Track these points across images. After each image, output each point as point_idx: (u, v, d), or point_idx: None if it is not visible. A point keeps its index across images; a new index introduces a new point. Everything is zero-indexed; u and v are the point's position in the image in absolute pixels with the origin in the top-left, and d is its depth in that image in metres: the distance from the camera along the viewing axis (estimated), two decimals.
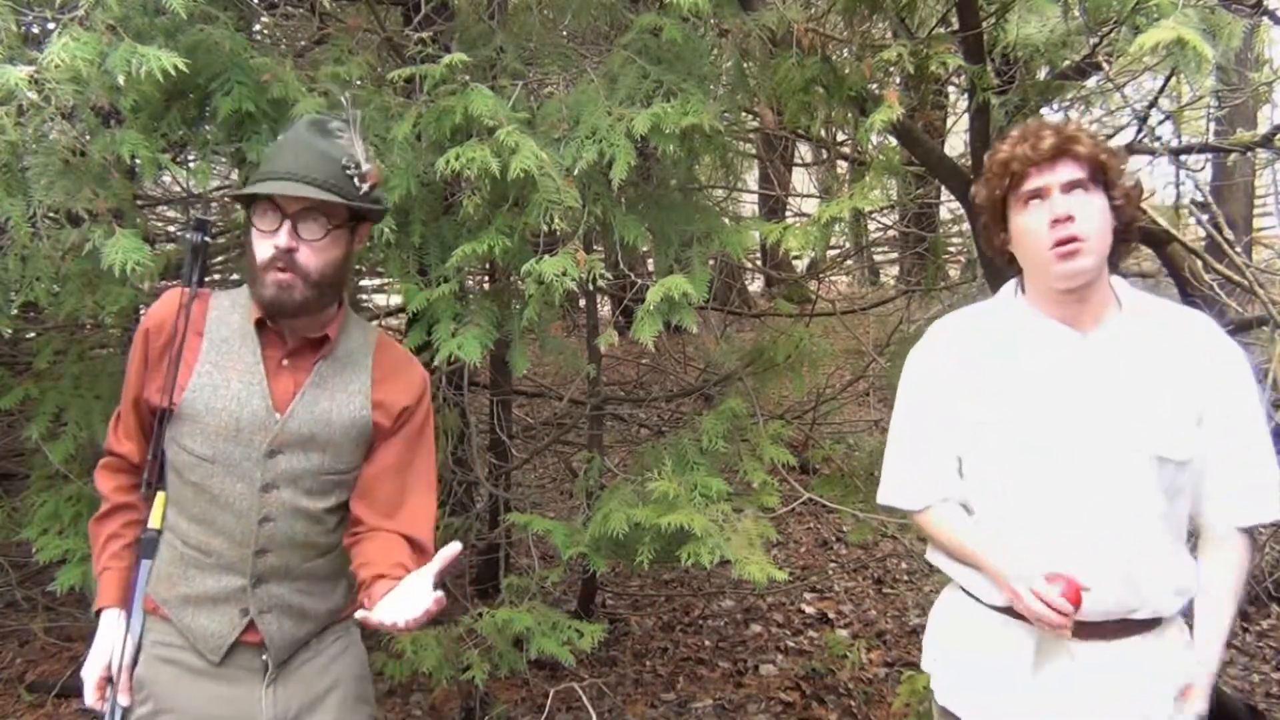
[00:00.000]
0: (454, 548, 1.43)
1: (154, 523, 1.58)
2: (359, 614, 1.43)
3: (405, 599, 1.41)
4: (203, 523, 1.56)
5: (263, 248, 1.53)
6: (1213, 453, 1.52)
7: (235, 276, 3.53)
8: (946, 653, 1.68)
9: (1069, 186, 1.48)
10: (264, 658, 1.59)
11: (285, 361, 1.59)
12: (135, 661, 1.54)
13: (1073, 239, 1.46)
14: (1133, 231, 1.56)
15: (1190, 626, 1.58)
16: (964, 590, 1.64)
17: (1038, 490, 1.52)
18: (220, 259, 3.65)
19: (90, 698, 1.54)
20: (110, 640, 1.55)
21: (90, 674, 1.54)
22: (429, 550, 1.61)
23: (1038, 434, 1.51)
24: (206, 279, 1.66)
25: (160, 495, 1.58)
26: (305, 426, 1.57)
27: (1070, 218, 1.46)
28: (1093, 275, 1.50)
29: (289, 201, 1.52)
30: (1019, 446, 1.52)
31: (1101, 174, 1.50)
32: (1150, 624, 1.53)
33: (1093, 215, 1.48)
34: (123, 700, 1.53)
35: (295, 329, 1.59)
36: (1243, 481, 1.53)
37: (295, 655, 1.63)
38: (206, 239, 1.63)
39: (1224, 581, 1.56)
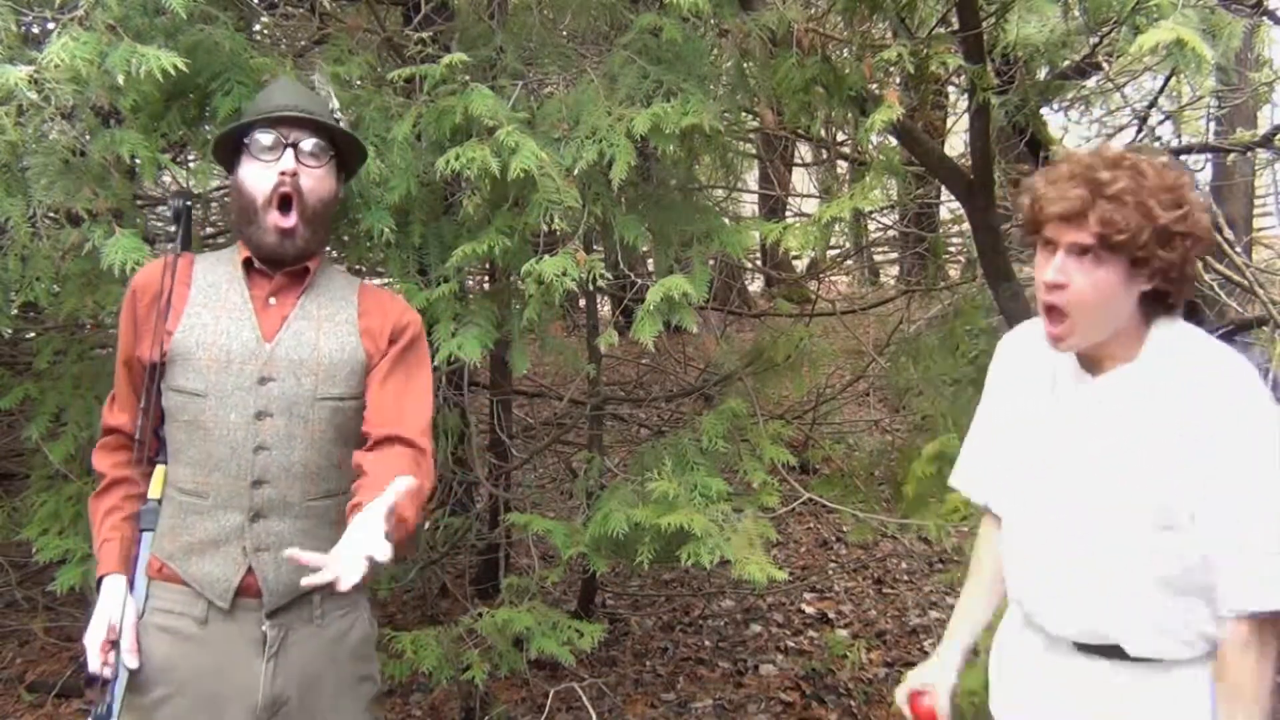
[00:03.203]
0: (404, 481, 1.37)
1: (154, 493, 1.59)
2: (287, 551, 1.32)
3: (342, 552, 1.29)
4: (198, 463, 1.56)
5: (263, 178, 1.58)
6: (1213, 528, 1.34)
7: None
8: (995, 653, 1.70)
9: (1076, 249, 1.35)
10: (263, 627, 1.56)
11: (272, 300, 1.63)
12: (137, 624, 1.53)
13: (1053, 308, 1.38)
14: (1181, 288, 1.38)
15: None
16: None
17: (1023, 511, 1.56)
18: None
19: (94, 663, 1.49)
20: (113, 604, 1.53)
21: (93, 639, 1.50)
22: (425, 449, 1.59)
23: (1032, 460, 1.53)
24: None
25: (160, 468, 1.60)
26: (294, 352, 1.60)
27: (1060, 285, 1.35)
28: (1080, 345, 1.41)
29: (291, 131, 1.58)
30: (1019, 468, 1.56)
31: (1123, 246, 1.32)
32: (1150, 661, 1.43)
33: (1089, 288, 1.34)
34: (130, 662, 1.51)
35: (279, 267, 1.64)
36: (1240, 565, 1.33)
37: (296, 625, 1.59)
38: (189, 204, 1.68)
39: (1231, 671, 1.35)
